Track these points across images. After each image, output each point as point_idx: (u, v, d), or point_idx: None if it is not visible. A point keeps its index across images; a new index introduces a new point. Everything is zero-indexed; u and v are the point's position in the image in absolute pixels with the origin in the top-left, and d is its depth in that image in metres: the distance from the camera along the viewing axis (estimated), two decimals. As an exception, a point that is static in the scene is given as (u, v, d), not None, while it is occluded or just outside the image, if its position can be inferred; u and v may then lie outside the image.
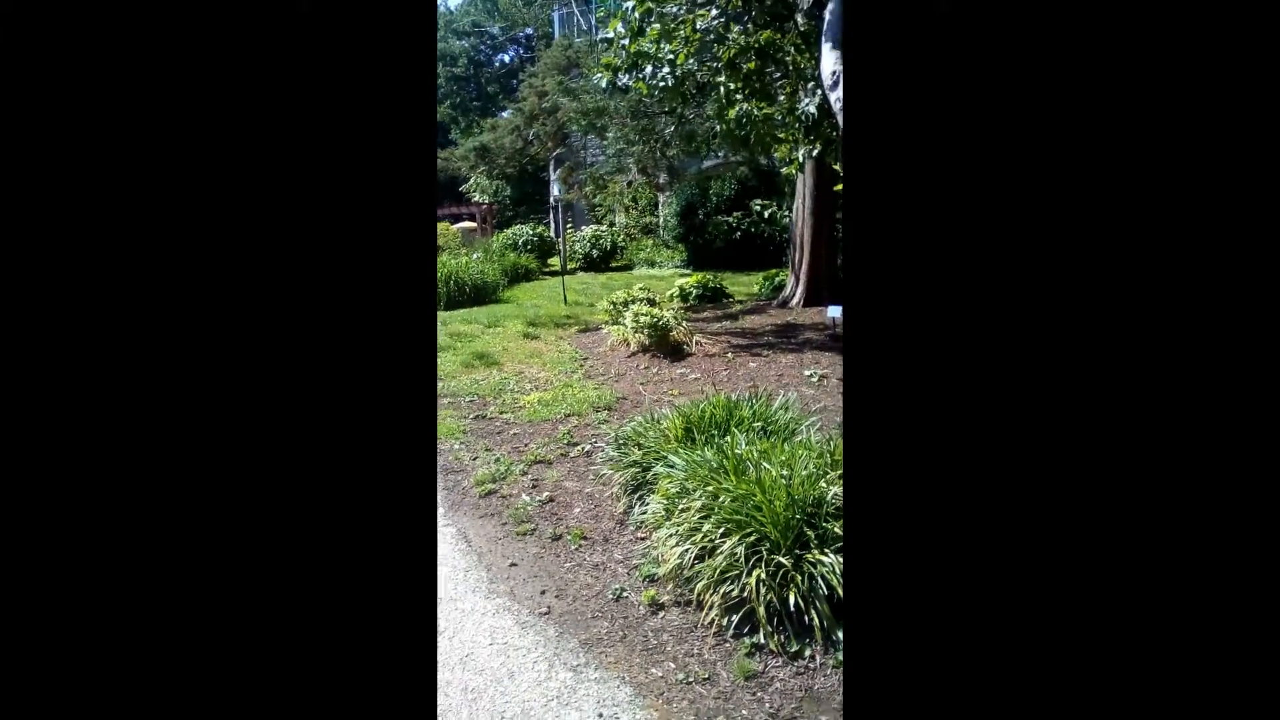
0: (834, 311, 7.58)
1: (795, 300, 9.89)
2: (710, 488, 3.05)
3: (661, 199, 16.70)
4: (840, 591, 2.54)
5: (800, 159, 5.29)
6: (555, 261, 16.55)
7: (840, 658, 2.51)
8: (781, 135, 5.02)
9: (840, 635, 2.56)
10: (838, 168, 4.73)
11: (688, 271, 13.38)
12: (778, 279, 10.99)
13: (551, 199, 14.12)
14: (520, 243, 16.50)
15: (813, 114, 4.64)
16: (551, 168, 16.91)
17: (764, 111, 4.77)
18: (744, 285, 11.96)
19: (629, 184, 12.41)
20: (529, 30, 26.52)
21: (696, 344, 7.65)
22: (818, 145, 4.89)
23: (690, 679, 2.53)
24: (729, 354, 7.32)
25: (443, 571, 3.39)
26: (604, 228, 17.20)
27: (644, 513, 3.50)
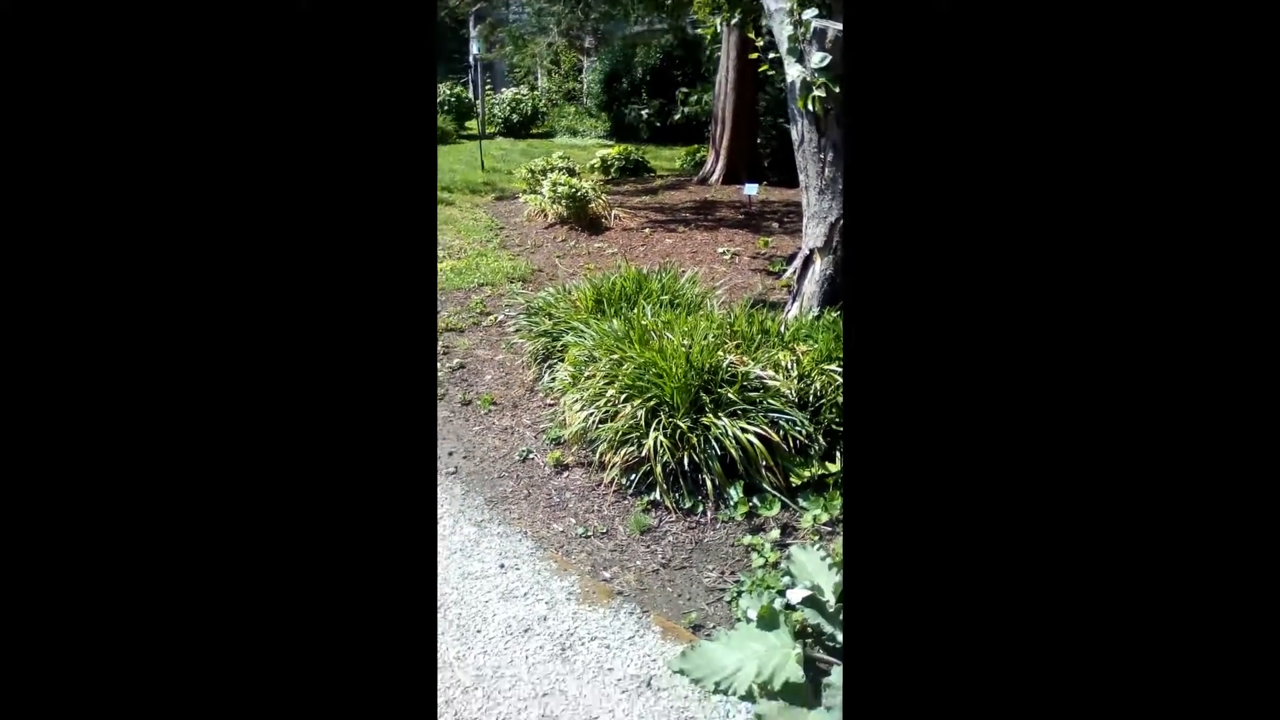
0: (750, 189, 7.64)
1: (715, 177, 9.85)
2: (616, 356, 3.14)
3: (586, 64, 16.04)
4: (733, 452, 2.71)
5: (718, 28, 5.15)
6: (473, 125, 15.87)
7: (730, 514, 2.70)
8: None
9: (731, 492, 2.74)
10: (756, 39, 4.62)
11: (610, 142, 13.09)
12: (699, 154, 10.87)
13: (470, 58, 13.33)
14: (437, 103, 15.74)
15: (735, -21, 4.49)
16: (471, 24, 15.90)
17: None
18: (666, 160, 11.81)
19: (549, 45, 11.83)
20: None
21: (615, 218, 7.60)
22: (737, 13, 4.75)
23: (589, 533, 2.69)
24: (647, 229, 7.31)
25: (350, 433, 3.42)
26: (525, 91, 16.50)
27: (552, 380, 3.59)
